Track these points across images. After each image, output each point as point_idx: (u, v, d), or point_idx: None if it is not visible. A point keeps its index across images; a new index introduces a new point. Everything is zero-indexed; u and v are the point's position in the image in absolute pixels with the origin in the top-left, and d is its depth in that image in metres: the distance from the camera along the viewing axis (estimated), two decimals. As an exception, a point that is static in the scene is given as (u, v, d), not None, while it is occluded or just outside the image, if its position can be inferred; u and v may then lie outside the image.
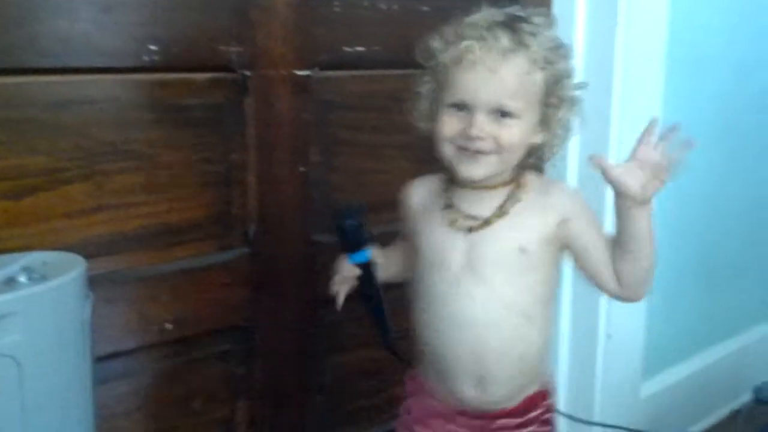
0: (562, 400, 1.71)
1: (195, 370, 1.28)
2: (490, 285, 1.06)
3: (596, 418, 1.71)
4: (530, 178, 1.09)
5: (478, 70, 0.99)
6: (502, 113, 1.00)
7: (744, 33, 2.00)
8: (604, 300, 1.69)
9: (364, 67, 1.41)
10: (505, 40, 0.99)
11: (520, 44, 1.00)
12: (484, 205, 1.07)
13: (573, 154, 1.67)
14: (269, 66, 1.26)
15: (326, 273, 1.38)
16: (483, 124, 1.00)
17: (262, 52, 1.25)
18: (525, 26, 1.01)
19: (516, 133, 1.01)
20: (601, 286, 1.08)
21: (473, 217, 1.07)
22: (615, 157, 1.64)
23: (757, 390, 2.22)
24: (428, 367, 1.13)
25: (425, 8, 1.46)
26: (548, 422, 1.15)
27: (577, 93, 1.07)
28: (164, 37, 1.15)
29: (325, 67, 1.34)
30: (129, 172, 1.16)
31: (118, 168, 1.15)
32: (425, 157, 1.44)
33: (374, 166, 1.45)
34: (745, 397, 2.19)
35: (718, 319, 2.12)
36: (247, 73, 1.24)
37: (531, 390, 1.11)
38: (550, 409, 1.15)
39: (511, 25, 1.01)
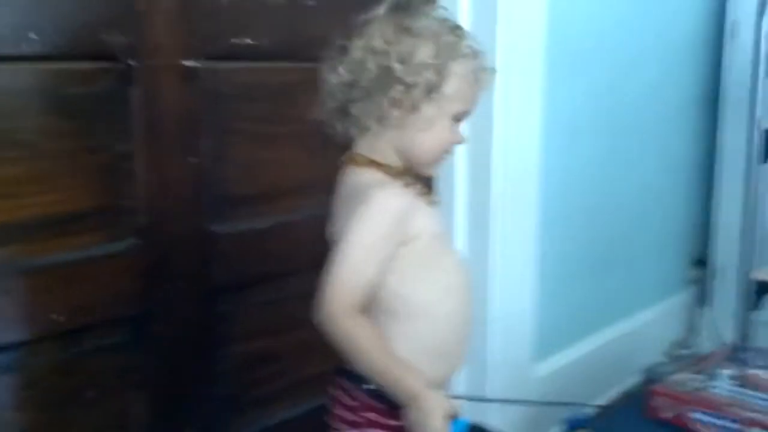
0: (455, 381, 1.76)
1: (87, 361, 1.27)
2: None
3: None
4: None
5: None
6: None
7: (624, 28, 2.11)
8: (494, 284, 1.75)
9: (252, 59, 1.43)
10: None
11: None
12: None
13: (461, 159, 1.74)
14: (155, 56, 1.27)
15: (221, 262, 1.41)
16: None
17: (147, 42, 1.26)
18: None
19: None
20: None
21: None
22: (498, 157, 1.71)
23: (647, 371, 2.33)
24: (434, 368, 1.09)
25: (312, 3, 1.49)
26: None
27: None
28: (45, 26, 1.15)
29: (212, 57, 1.35)
30: (12, 162, 1.15)
31: (1, 158, 1.13)
32: (316, 146, 1.49)
33: (266, 155, 1.47)
34: (636, 379, 2.30)
35: (609, 303, 2.22)
36: (132, 62, 1.24)
37: None
38: None
39: None
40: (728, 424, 1.56)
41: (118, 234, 1.28)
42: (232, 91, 1.40)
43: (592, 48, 2.00)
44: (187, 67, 1.32)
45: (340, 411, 1.13)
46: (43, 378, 1.22)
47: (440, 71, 1.05)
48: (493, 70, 1.12)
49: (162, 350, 1.35)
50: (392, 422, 1.07)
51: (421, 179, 1.14)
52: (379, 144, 1.10)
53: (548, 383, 1.94)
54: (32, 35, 1.13)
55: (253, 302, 1.48)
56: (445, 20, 1.10)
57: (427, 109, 1.06)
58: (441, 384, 1.09)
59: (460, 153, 1.72)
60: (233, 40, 1.39)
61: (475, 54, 1.09)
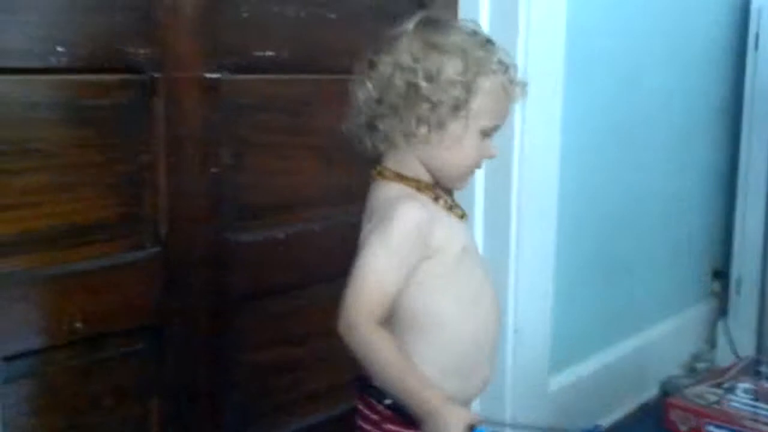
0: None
1: (106, 368, 1.28)
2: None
3: (507, 411, 1.77)
4: None
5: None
6: None
7: (644, 39, 2.11)
8: (511, 295, 1.75)
9: (273, 71, 1.44)
10: None
11: None
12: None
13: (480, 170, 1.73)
14: (178, 68, 1.29)
15: (239, 271, 1.42)
16: None
17: (170, 54, 1.27)
18: None
19: None
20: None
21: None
22: (517, 168, 1.72)
23: (664, 384, 2.33)
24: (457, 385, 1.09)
25: (332, 15, 1.50)
26: None
27: None
28: (71, 39, 1.17)
29: (234, 70, 1.37)
30: (35, 172, 1.17)
31: (24, 167, 1.15)
32: (335, 157, 1.51)
33: (285, 166, 1.48)
34: (653, 392, 2.30)
35: (626, 315, 2.21)
36: (156, 74, 1.26)
37: None
38: None
39: None
40: (743, 438, 1.56)
41: (139, 243, 1.30)
42: (252, 102, 1.41)
43: (612, 58, 2.00)
44: (209, 79, 1.33)
45: (362, 424, 1.13)
46: (62, 385, 1.24)
47: (468, 88, 1.04)
48: (524, 84, 1.11)
49: (179, 358, 1.37)
50: None
51: (449, 192, 1.15)
52: (407, 158, 1.10)
53: (564, 395, 1.94)
54: (59, 48, 1.16)
55: (270, 311, 1.49)
56: (475, 34, 1.10)
57: (454, 127, 1.06)
58: (465, 403, 1.08)
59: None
60: (255, 53, 1.40)
61: (506, 68, 1.08)
